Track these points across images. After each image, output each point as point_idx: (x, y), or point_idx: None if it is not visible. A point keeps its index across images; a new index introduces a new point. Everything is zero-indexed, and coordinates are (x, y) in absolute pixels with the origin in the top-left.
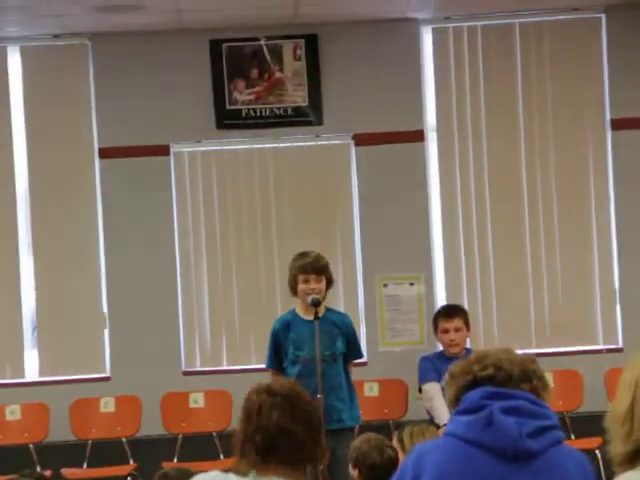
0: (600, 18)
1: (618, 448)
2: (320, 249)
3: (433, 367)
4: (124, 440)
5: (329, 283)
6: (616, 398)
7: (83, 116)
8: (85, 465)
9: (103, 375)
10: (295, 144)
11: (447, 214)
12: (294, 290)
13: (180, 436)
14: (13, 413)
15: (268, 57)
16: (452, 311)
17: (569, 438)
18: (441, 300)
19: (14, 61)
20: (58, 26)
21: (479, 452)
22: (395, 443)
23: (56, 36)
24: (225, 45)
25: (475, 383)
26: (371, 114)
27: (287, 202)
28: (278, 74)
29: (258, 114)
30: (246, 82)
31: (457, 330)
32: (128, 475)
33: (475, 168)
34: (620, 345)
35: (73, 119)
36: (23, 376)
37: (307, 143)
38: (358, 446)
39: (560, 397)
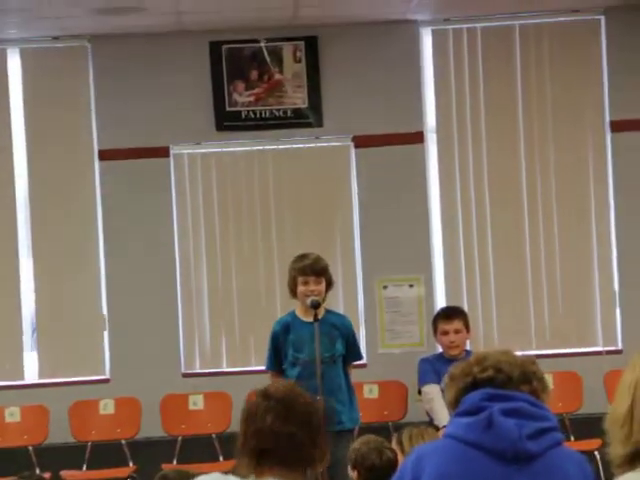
0: (599, 20)
1: (617, 450)
2: (320, 251)
3: (433, 369)
4: (123, 442)
5: (329, 285)
6: (616, 400)
7: (83, 118)
8: (84, 467)
9: (103, 377)
10: (295, 146)
11: (447, 216)
12: (294, 292)
13: (180, 438)
14: (12, 415)
15: (268, 59)
16: (452, 313)
17: (568, 440)
18: (441, 302)
19: (14, 63)
20: (58, 28)
21: (479, 454)
22: (394, 445)
23: (56, 38)
24: (225, 47)
25: (475, 385)
26: (371, 116)
27: (287, 204)
28: (278, 76)
29: (258, 116)
30: (246, 84)
31: (457, 332)
32: (128, 477)
33: (475, 170)
34: (619, 347)
35: (73, 121)
36: (23, 378)
37: (307, 145)
38: (357, 448)
39: (560, 399)
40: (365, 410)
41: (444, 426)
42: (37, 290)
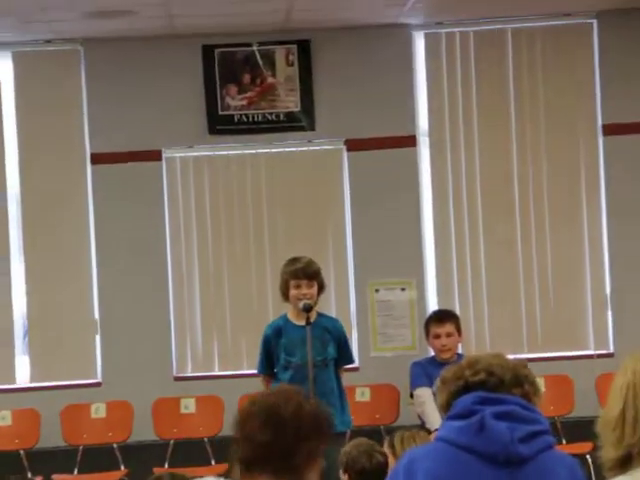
0: (591, 24)
1: (609, 453)
2: (312, 254)
3: (424, 372)
4: (115, 446)
5: (321, 288)
6: (607, 403)
7: (75, 121)
8: (76, 471)
9: (94, 381)
10: (287, 149)
11: (439, 219)
12: (286, 295)
13: (171, 442)
14: (4, 419)
15: (260, 62)
16: (444, 316)
17: (560, 443)
18: (433, 305)
19: (6, 66)
20: (50, 32)
21: (471, 457)
22: (386, 448)
23: (48, 42)
24: (217, 50)
25: (467, 388)
26: (363, 119)
27: (279, 207)
28: (270, 79)
29: (250, 119)
30: (238, 87)
31: (449, 335)
32: None
33: (467, 173)
34: (611, 350)
35: (65, 124)
36: (14, 382)
37: (299, 148)
38: (348, 451)
39: (551, 402)
40: (357, 413)
41: (436, 429)
42: (29, 293)
